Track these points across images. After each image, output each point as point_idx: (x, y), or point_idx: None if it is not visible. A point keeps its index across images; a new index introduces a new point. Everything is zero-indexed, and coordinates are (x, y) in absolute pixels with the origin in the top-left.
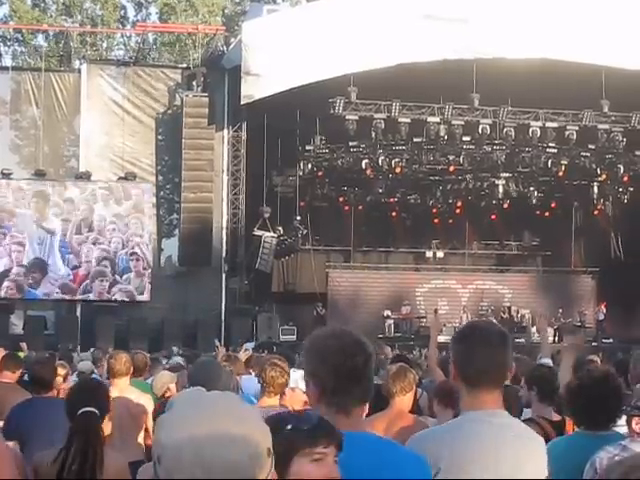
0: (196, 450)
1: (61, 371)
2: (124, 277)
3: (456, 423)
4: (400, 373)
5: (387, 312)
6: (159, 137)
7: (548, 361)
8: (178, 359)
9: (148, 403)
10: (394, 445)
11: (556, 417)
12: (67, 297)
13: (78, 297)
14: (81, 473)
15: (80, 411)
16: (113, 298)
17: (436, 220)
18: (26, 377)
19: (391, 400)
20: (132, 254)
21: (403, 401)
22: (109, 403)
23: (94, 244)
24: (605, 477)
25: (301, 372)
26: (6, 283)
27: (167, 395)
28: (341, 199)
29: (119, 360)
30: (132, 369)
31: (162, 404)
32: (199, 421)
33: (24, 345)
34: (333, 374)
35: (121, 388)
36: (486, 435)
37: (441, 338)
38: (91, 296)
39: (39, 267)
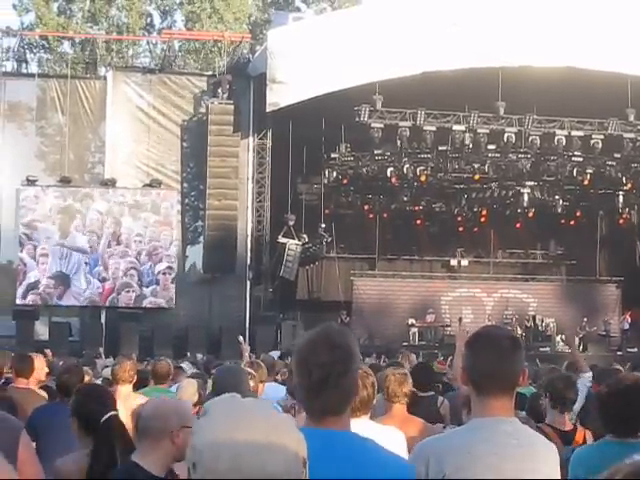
0: (233, 458)
1: (85, 378)
2: (151, 289)
3: (462, 430)
4: (406, 379)
5: (411, 320)
6: (184, 144)
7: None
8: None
9: None
10: (378, 447)
11: (568, 426)
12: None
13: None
14: None
15: (108, 415)
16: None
17: (461, 228)
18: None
19: (392, 405)
20: (159, 267)
21: (404, 408)
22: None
23: (122, 257)
24: (610, 477)
25: None
26: (31, 296)
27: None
28: (366, 207)
29: (123, 367)
30: (135, 377)
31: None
32: (236, 429)
33: (49, 352)
34: (302, 385)
35: (124, 395)
36: (488, 442)
37: None
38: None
39: (61, 280)
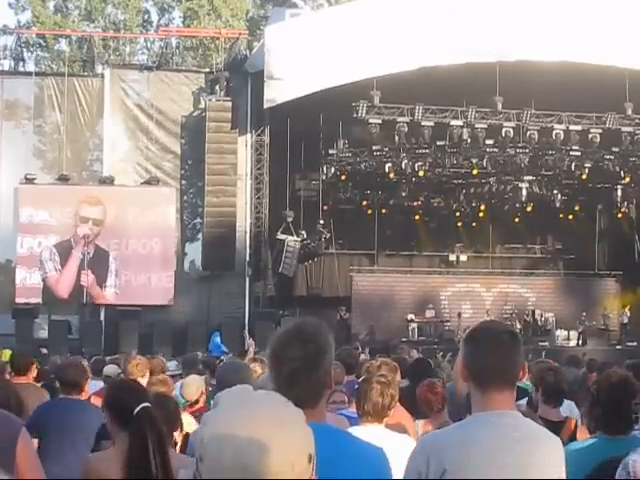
0: (236, 453)
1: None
2: (149, 282)
3: (463, 424)
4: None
5: (411, 316)
6: (182, 141)
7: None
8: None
9: None
10: (353, 437)
11: (558, 418)
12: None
13: (103, 301)
14: (164, 468)
15: (140, 407)
16: (138, 303)
17: (459, 223)
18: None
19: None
20: (158, 264)
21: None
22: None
23: (118, 251)
24: None
25: None
26: (30, 294)
27: (200, 401)
28: (364, 203)
29: (132, 363)
30: (148, 373)
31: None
32: (242, 423)
33: (44, 350)
34: (275, 378)
35: None
36: (491, 436)
37: None
38: (117, 301)
39: (59, 277)
